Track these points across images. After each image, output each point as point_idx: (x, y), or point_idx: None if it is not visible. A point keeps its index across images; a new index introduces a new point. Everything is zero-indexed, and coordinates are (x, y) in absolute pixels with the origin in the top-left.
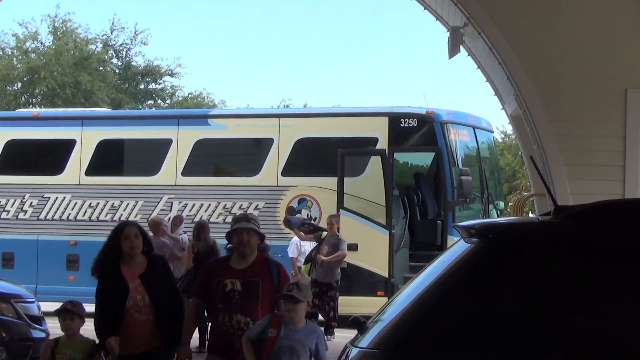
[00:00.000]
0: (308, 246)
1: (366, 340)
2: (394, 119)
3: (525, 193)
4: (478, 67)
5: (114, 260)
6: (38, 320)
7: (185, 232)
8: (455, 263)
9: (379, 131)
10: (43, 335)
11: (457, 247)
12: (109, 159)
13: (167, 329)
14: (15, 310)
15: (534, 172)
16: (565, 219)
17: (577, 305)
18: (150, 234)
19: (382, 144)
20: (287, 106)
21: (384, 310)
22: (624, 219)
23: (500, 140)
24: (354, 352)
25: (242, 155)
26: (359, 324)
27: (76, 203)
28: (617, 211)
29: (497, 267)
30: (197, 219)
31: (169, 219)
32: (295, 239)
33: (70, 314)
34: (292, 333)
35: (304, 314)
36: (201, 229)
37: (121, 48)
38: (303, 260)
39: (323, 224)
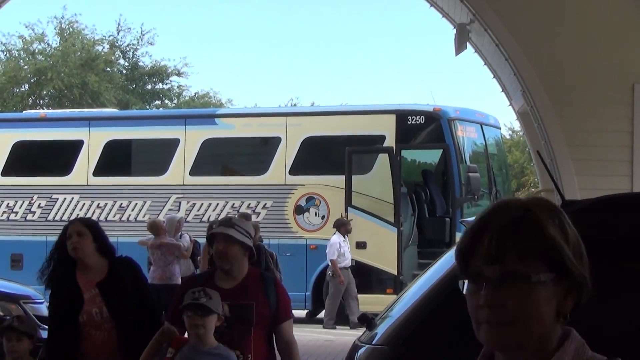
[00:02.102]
0: (347, 247)
1: (375, 337)
2: (402, 116)
3: (533, 189)
4: (485, 64)
5: (67, 266)
6: (47, 320)
7: (185, 233)
8: None
9: (387, 129)
10: None
11: None
12: (117, 159)
13: (133, 349)
14: (24, 311)
15: (542, 168)
16: (572, 214)
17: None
18: (151, 235)
19: (390, 142)
20: (295, 105)
21: (392, 307)
22: (631, 212)
23: (508, 137)
24: (363, 348)
25: (250, 154)
26: (368, 320)
27: (84, 204)
28: (624, 205)
29: None
30: (205, 219)
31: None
32: (335, 239)
33: (16, 332)
34: (196, 356)
35: (213, 329)
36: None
37: (128, 49)
38: (345, 261)
39: (332, 222)
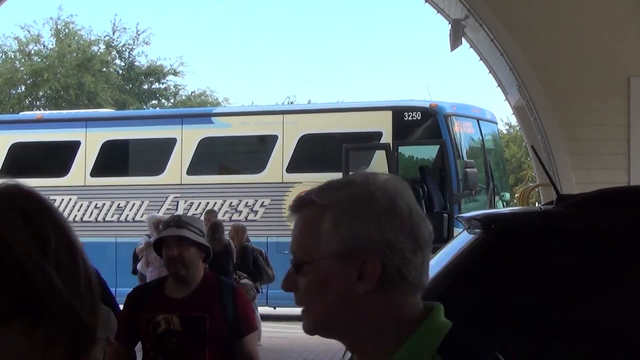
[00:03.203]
0: None
1: None
2: (398, 112)
3: (531, 184)
4: (480, 59)
5: None
6: None
7: None
8: (459, 254)
9: (383, 125)
10: None
11: (460, 238)
12: (114, 159)
13: None
14: None
15: (538, 162)
16: (567, 208)
17: (581, 293)
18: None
19: (387, 138)
20: (292, 103)
21: None
22: (626, 206)
23: (505, 132)
24: None
25: (247, 153)
26: None
27: (82, 204)
28: (619, 199)
29: (500, 257)
30: (202, 218)
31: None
32: None
33: None
34: None
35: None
36: (215, 228)
37: (124, 49)
38: None
39: None
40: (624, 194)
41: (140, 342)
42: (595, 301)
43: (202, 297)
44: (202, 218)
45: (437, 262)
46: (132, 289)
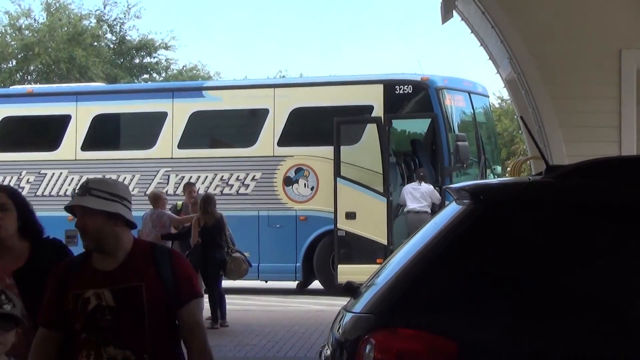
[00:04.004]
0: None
1: (360, 305)
2: (389, 86)
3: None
4: (472, 32)
5: None
6: None
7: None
8: (447, 225)
9: (375, 99)
10: None
11: (449, 210)
12: (105, 133)
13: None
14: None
15: (528, 133)
16: (556, 179)
17: (570, 264)
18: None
19: (378, 112)
20: (283, 77)
21: (377, 275)
22: (615, 177)
23: (497, 106)
24: (348, 317)
25: (238, 127)
26: (352, 289)
27: (73, 178)
28: (608, 169)
29: (489, 228)
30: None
31: (167, 192)
32: (413, 188)
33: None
34: None
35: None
36: (207, 201)
37: (115, 23)
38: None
39: (321, 193)
40: (612, 165)
41: (69, 324)
42: (584, 272)
43: (134, 266)
44: (183, 191)
45: (426, 233)
46: (57, 266)
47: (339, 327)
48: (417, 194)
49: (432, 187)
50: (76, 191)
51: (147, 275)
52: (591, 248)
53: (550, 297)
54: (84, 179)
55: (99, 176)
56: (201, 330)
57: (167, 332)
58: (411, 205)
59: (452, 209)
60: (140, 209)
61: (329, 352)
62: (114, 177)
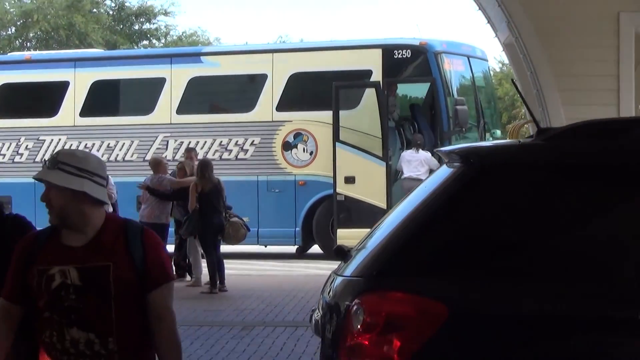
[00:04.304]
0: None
1: (350, 269)
2: (388, 50)
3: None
4: None
5: None
6: None
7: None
8: (438, 188)
9: (373, 63)
10: None
11: (439, 173)
12: (103, 99)
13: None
14: None
15: (530, 98)
16: (547, 141)
17: (559, 225)
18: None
19: (377, 76)
20: (284, 42)
21: (368, 238)
22: (606, 138)
23: (498, 70)
24: (338, 280)
25: (237, 92)
26: (343, 253)
27: (71, 144)
28: (598, 131)
29: (479, 191)
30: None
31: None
32: (411, 155)
33: None
34: None
35: None
36: (205, 167)
37: None
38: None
39: (320, 158)
40: (603, 127)
41: (33, 300)
42: (575, 233)
43: (104, 244)
44: (183, 157)
45: (417, 195)
46: (24, 238)
47: (330, 291)
48: (414, 162)
49: (429, 154)
50: (46, 162)
51: (116, 254)
52: (582, 209)
53: (541, 259)
54: (82, 145)
55: (98, 142)
56: (170, 316)
57: (135, 316)
58: (408, 172)
59: (442, 172)
60: (139, 175)
61: (319, 315)
62: (112, 143)
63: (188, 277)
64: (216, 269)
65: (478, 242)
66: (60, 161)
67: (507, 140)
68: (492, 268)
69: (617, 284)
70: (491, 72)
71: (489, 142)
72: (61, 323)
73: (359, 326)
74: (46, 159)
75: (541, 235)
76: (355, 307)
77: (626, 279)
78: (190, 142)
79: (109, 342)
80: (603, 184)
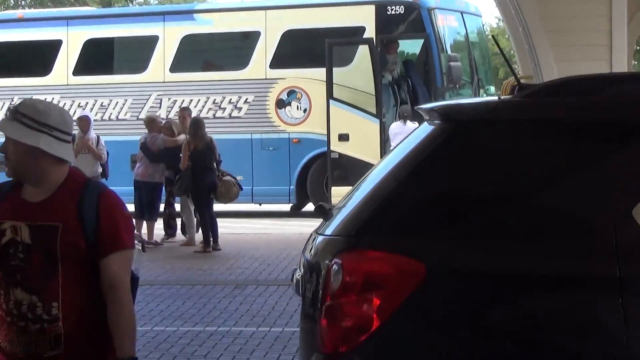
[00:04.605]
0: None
1: (330, 228)
2: (381, 7)
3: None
4: None
5: None
6: None
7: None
8: (418, 146)
9: (366, 20)
10: None
11: (420, 130)
12: (96, 58)
13: None
14: None
15: (522, 54)
16: (526, 98)
17: (539, 182)
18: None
19: (370, 33)
20: None
21: (349, 197)
22: (586, 95)
23: (495, 26)
24: (319, 239)
25: (230, 50)
26: (324, 211)
27: (65, 103)
28: (577, 88)
29: (458, 148)
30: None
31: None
32: (398, 127)
33: None
34: None
35: None
36: (197, 125)
37: None
38: None
39: (314, 115)
40: (582, 83)
41: None
42: (554, 191)
43: (58, 203)
44: (177, 116)
45: (397, 153)
46: None
47: (310, 250)
48: (401, 134)
49: (417, 124)
50: (5, 114)
51: (67, 216)
52: (560, 166)
53: (520, 216)
54: (76, 104)
55: (91, 100)
56: (121, 286)
57: (84, 283)
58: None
59: (423, 130)
60: (132, 134)
61: (299, 274)
62: (105, 101)
63: (181, 237)
64: (209, 228)
65: (457, 199)
66: (20, 112)
67: (487, 98)
68: (471, 226)
69: (597, 242)
70: (488, 28)
71: (469, 99)
72: (7, 282)
73: (338, 285)
74: (9, 108)
75: (520, 192)
76: (334, 266)
77: (605, 236)
78: (183, 101)
79: (52, 308)
80: (580, 140)
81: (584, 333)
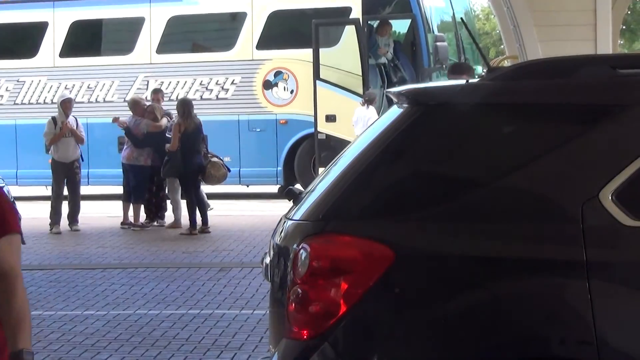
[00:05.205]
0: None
1: (299, 212)
2: None
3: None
4: None
5: None
6: None
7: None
8: (386, 129)
9: (353, 0)
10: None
11: (389, 114)
12: (83, 39)
13: None
14: None
15: (507, 34)
16: (494, 80)
17: (505, 165)
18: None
19: (356, 13)
20: None
21: (318, 181)
22: (555, 78)
23: (486, 5)
24: (288, 224)
25: (216, 31)
26: (294, 195)
27: (52, 86)
28: (545, 71)
29: (426, 131)
30: (173, 97)
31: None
32: (361, 111)
33: None
34: None
35: None
36: (187, 106)
37: None
38: None
39: (300, 97)
40: (549, 66)
41: None
42: (520, 173)
43: None
44: (149, 97)
45: (366, 137)
46: None
47: (280, 234)
48: (363, 120)
49: (374, 111)
50: None
51: None
52: (528, 149)
53: (487, 199)
54: (62, 86)
55: (78, 82)
56: (11, 273)
57: None
58: (359, 132)
59: (392, 113)
60: (120, 116)
61: (269, 259)
62: (92, 83)
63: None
64: (196, 210)
65: (425, 183)
66: None
67: (455, 81)
68: (439, 209)
69: (564, 225)
70: (478, 8)
71: (437, 82)
72: None
73: (305, 270)
74: None
75: (487, 175)
76: (301, 251)
77: (572, 220)
78: (170, 82)
79: None
80: (547, 123)
81: (551, 316)
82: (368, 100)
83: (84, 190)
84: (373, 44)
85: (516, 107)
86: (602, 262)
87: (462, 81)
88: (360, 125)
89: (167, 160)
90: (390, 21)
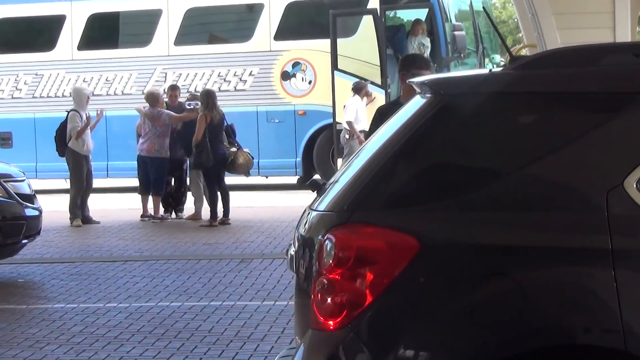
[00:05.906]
0: (364, 112)
1: (323, 203)
2: None
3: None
4: None
5: None
6: (30, 198)
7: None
8: (409, 119)
9: None
10: (36, 213)
11: (412, 104)
12: (101, 32)
13: None
14: (5, 189)
15: (526, 23)
16: (517, 69)
17: (530, 155)
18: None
19: (374, 3)
20: None
21: (342, 172)
22: (578, 66)
23: None
24: (312, 215)
25: (234, 22)
26: (318, 186)
27: (70, 79)
28: (570, 59)
29: (448, 121)
30: (192, 89)
31: (164, 90)
32: (354, 102)
33: None
34: None
35: None
36: (211, 96)
37: None
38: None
39: (319, 87)
40: (575, 53)
41: None
42: (545, 162)
43: None
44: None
45: (390, 127)
46: None
47: (304, 225)
48: (350, 108)
49: (358, 100)
50: None
51: None
52: (552, 138)
53: (512, 188)
54: (81, 79)
55: (96, 75)
56: None
57: None
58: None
59: (415, 103)
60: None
61: (293, 250)
62: (110, 76)
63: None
64: (217, 202)
65: (449, 172)
66: None
67: (478, 70)
68: (463, 199)
69: (589, 214)
70: None
71: (460, 72)
72: None
73: (330, 261)
74: None
75: (512, 164)
76: (326, 242)
77: (597, 208)
78: (188, 74)
79: None
80: (571, 112)
81: (577, 305)
82: (355, 89)
83: (104, 182)
84: (401, 42)
85: (540, 96)
86: (627, 250)
87: (485, 71)
88: (361, 115)
89: (200, 152)
90: (408, 10)
